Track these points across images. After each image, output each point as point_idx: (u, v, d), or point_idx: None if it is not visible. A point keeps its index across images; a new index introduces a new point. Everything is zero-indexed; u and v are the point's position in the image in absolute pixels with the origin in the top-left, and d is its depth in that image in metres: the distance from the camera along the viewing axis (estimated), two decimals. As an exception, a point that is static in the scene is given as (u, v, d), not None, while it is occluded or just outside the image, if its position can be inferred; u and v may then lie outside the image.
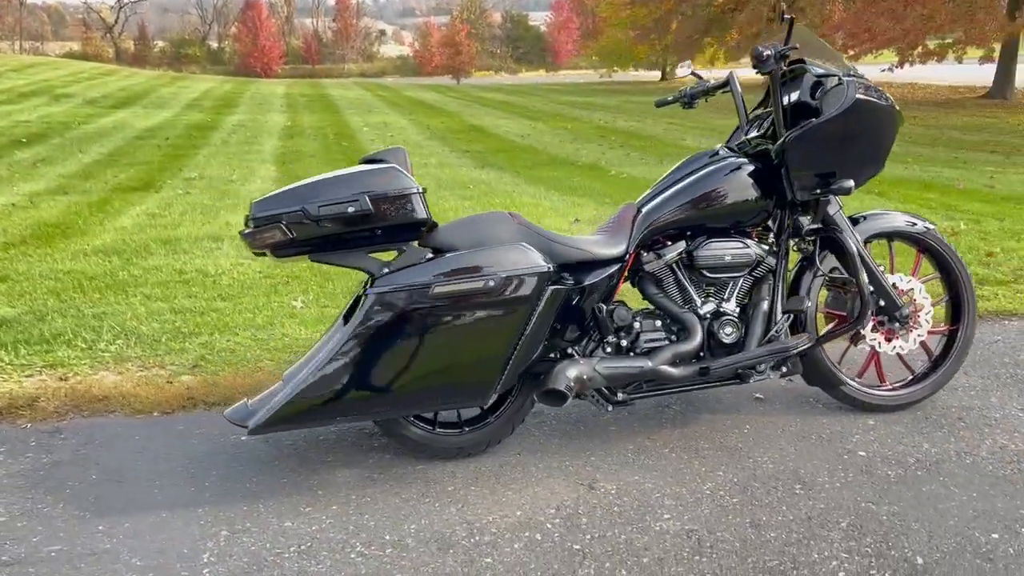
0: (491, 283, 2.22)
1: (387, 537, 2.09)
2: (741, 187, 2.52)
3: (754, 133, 2.68)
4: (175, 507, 2.22)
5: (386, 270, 2.24)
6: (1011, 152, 11.06)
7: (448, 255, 2.27)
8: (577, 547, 2.04)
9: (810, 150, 2.48)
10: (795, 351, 2.57)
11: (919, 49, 18.67)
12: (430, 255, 2.28)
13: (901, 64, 19.20)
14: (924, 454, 2.48)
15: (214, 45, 62.32)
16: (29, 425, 2.67)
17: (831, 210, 2.63)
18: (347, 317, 2.36)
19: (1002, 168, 9.31)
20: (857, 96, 2.46)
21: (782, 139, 2.50)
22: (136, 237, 5.34)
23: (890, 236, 2.78)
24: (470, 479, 2.37)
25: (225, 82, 28.49)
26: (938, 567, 1.94)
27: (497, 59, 60.33)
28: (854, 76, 2.54)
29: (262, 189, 7.14)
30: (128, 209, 6.46)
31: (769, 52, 2.43)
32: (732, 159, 2.57)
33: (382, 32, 74.26)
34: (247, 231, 2.20)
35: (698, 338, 2.49)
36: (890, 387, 2.82)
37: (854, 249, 2.59)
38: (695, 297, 2.55)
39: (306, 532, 2.12)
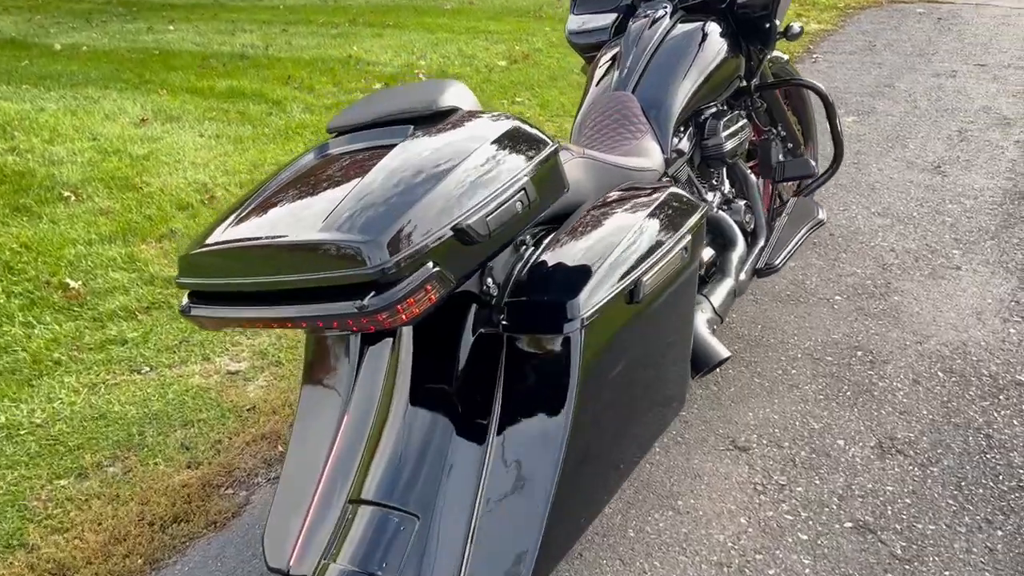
0: (684, 249, 1.57)
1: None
2: (725, 49, 2.25)
3: None
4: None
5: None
6: None
7: (587, 233, 1.51)
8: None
9: None
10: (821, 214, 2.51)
11: None
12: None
13: None
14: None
15: None
16: None
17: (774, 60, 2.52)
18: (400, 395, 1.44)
19: None
20: None
21: None
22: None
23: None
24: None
25: None
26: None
27: None
28: None
29: None
30: None
31: None
32: (695, 18, 2.28)
33: None
34: (361, 304, 1.16)
35: (739, 236, 2.18)
36: None
37: (826, 93, 2.50)
38: (708, 193, 2.27)
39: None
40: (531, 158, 1.36)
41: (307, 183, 1.38)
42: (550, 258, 1.48)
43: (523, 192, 1.33)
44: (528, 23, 7.27)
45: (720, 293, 2.03)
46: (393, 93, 1.55)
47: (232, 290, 1.29)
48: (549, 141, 1.45)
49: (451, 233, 1.22)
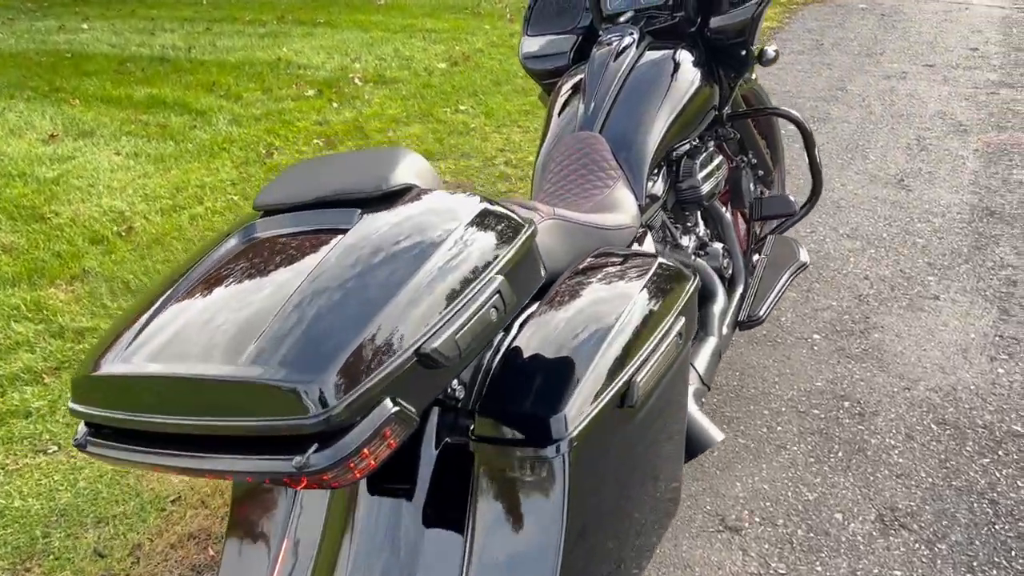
0: (679, 335, 1.33)
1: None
2: (699, 79, 2.01)
3: (619, 2, 2.16)
4: None
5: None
6: None
7: (567, 316, 1.25)
8: None
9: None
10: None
11: None
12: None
13: None
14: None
15: None
16: None
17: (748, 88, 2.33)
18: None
19: None
20: None
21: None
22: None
23: None
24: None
25: None
26: None
27: None
28: None
29: None
30: None
31: None
32: (664, 44, 2.03)
33: None
34: (301, 463, 0.89)
35: (719, 287, 1.99)
36: None
37: (803, 122, 2.29)
38: (683, 238, 2.05)
39: None
40: (505, 248, 1.13)
41: (228, 282, 1.12)
42: (526, 348, 1.25)
43: (498, 295, 1.09)
44: (467, 20, 7.00)
45: (704, 356, 1.83)
46: (335, 163, 1.29)
47: (137, 428, 1.03)
48: (523, 223, 1.21)
49: (414, 359, 0.98)
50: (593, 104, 1.95)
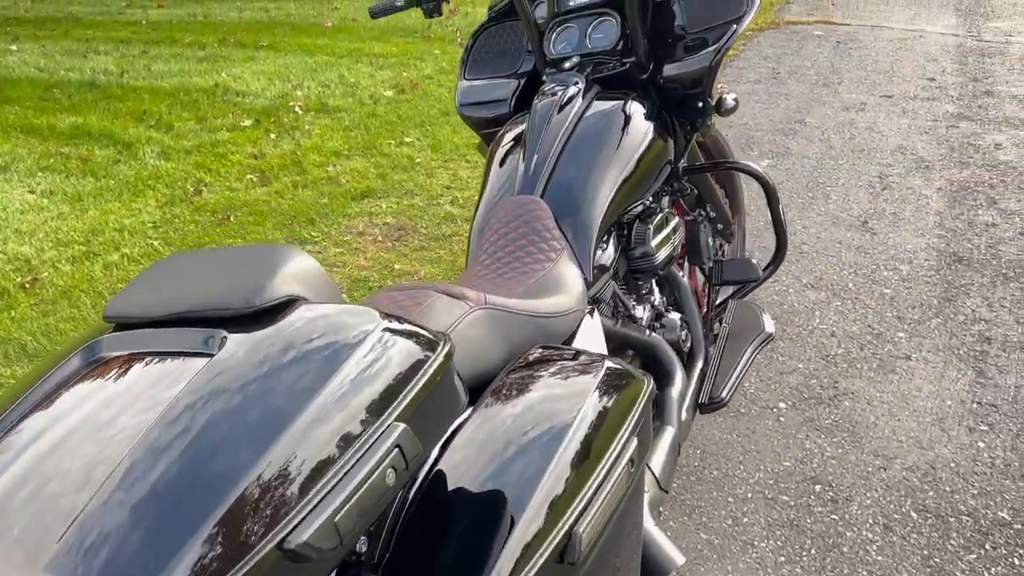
0: (631, 461, 1.11)
1: None
2: (651, 132, 1.79)
3: (564, 45, 1.96)
4: None
5: None
6: None
7: (495, 445, 1.01)
8: None
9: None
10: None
11: None
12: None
13: None
14: None
15: None
16: None
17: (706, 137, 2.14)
18: None
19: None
20: None
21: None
22: None
23: None
24: None
25: None
26: None
27: None
28: None
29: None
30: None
31: None
32: (613, 94, 1.82)
33: None
34: None
35: (678, 367, 1.79)
36: None
37: (766, 178, 2.09)
38: (636, 309, 1.83)
39: None
40: (409, 384, 0.89)
41: (52, 430, 0.86)
42: (443, 486, 1.01)
43: (397, 450, 0.85)
44: (416, 44, 6.77)
45: (661, 453, 1.61)
46: (206, 264, 1.04)
47: None
48: (436, 340, 0.98)
49: (278, 554, 0.74)
50: (534, 163, 1.72)
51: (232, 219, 3.55)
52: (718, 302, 2.21)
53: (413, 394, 0.89)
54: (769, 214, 2.11)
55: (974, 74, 5.28)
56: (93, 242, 3.34)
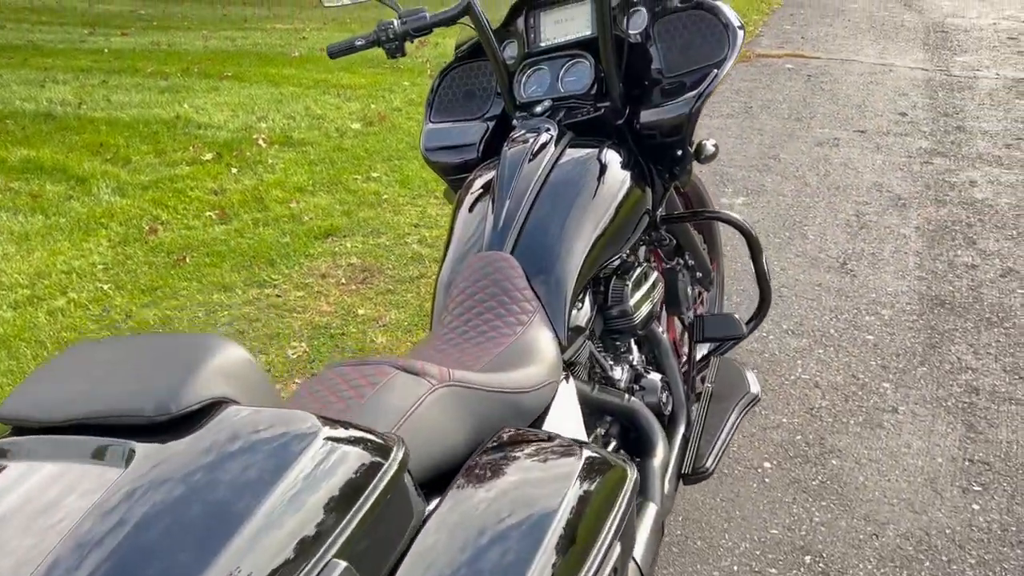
0: (615, 568, 1.01)
1: None
2: (628, 182, 1.66)
3: (535, 88, 1.84)
4: None
5: None
6: (267, 1, 10.91)
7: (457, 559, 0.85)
8: None
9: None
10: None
11: None
12: None
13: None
14: None
15: None
16: None
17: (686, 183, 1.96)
18: None
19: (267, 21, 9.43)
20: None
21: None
22: None
23: None
24: None
25: None
26: None
27: None
28: None
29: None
30: None
31: None
32: (588, 141, 1.70)
33: None
34: None
35: (659, 435, 1.64)
36: None
37: (749, 228, 1.98)
38: (614, 370, 1.69)
39: None
40: (353, 506, 0.76)
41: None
42: None
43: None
44: (385, 75, 6.66)
45: (644, 536, 1.47)
46: (117, 356, 0.90)
47: None
48: (387, 445, 0.85)
49: None
50: (503, 216, 1.59)
51: (188, 260, 3.39)
52: (699, 357, 2.10)
53: (358, 520, 0.75)
54: (752, 266, 2.00)
55: (945, 109, 5.27)
56: (38, 286, 3.15)
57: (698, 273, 2.20)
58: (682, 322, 2.26)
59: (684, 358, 2.12)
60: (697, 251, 2.17)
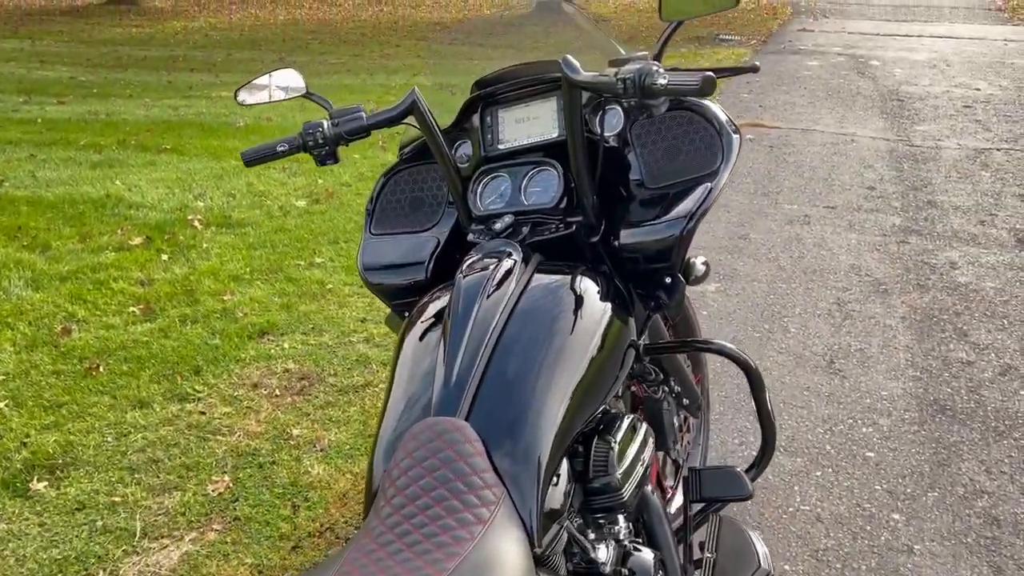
0: None
1: None
2: (609, 314, 1.36)
3: (494, 200, 1.55)
4: None
5: None
6: (214, 67, 10.95)
7: None
8: None
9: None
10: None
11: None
12: None
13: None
14: None
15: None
16: None
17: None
18: None
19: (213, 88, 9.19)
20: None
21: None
22: None
23: None
24: None
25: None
26: None
27: None
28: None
29: None
30: None
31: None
32: (558, 266, 1.39)
33: None
34: None
35: None
36: None
37: (749, 363, 1.68)
38: (597, 550, 1.33)
39: None
40: None
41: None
42: None
43: None
44: (334, 147, 6.36)
45: None
46: None
47: None
48: None
49: None
50: (457, 371, 1.24)
51: (102, 368, 2.99)
52: (693, 512, 1.77)
53: None
54: (754, 403, 1.70)
55: (912, 182, 5.12)
56: (-81, 406, 2.73)
57: (685, 400, 1.90)
58: (669, 457, 1.95)
59: (676, 510, 1.81)
60: (684, 376, 1.87)
